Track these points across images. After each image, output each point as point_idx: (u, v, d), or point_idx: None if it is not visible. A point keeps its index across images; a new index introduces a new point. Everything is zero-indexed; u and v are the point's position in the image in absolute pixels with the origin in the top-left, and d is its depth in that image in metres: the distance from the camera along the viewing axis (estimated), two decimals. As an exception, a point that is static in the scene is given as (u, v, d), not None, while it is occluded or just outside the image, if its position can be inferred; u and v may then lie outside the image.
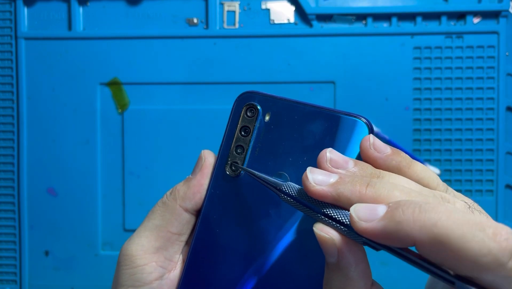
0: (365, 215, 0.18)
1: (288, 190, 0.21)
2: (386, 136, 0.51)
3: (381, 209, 0.18)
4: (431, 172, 0.22)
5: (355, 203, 0.19)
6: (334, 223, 0.19)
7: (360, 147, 0.22)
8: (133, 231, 0.26)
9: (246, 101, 0.25)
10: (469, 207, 0.20)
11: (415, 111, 0.51)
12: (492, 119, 0.51)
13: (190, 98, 0.52)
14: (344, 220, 0.19)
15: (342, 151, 0.23)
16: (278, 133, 0.24)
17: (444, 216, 0.16)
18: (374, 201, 0.19)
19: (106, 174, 0.53)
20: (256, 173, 0.22)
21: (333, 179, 0.20)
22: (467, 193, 0.51)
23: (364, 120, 0.23)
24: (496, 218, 0.50)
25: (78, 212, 0.53)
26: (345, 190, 0.19)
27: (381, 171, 0.21)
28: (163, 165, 0.52)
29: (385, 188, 0.19)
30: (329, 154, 0.21)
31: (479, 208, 0.21)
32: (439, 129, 0.51)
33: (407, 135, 0.51)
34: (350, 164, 0.21)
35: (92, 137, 0.53)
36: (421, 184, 0.21)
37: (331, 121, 0.23)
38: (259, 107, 0.25)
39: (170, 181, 0.52)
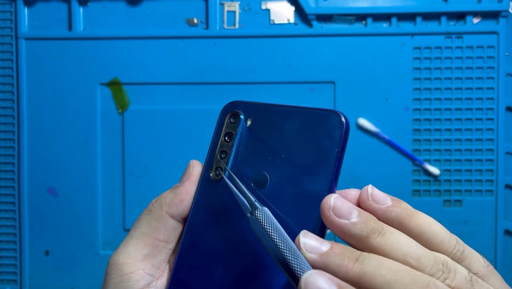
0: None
1: (260, 217, 0.21)
2: (386, 137, 0.51)
3: (325, 246, 0.19)
4: (435, 225, 0.21)
5: (340, 277, 0.19)
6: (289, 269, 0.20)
7: (359, 197, 0.21)
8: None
9: (230, 110, 0.26)
10: (470, 280, 0.20)
11: (415, 111, 0.51)
12: (492, 119, 0.51)
13: (190, 98, 0.52)
14: (299, 274, 0.19)
15: (318, 145, 0.23)
16: (258, 135, 0.25)
17: None
18: (359, 278, 0.19)
19: (106, 174, 0.53)
20: (233, 188, 0.23)
21: (325, 247, 0.20)
22: (467, 193, 0.51)
23: (338, 112, 0.23)
24: (496, 218, 0.50)
25: (78, 212, 0.53)
26: (333, 263, 0.19)
27: (384, 226, 0.20)
28: (163, 165, 0.52)
29: (372, 265, 0.19)
30: (333, 201, 0.20)
31: (490, 271, 0.21)
32: (439, 129, 0.51)
33: (407, 135, 0.51)
34: (353, 214, 0.20)
35: (92, 137, 0.53)
36: (423, 238, 0.21)
37: (305, 118, 0.24)
38: (240, 113, 0.26)
39: (170, 181, 0.52)
